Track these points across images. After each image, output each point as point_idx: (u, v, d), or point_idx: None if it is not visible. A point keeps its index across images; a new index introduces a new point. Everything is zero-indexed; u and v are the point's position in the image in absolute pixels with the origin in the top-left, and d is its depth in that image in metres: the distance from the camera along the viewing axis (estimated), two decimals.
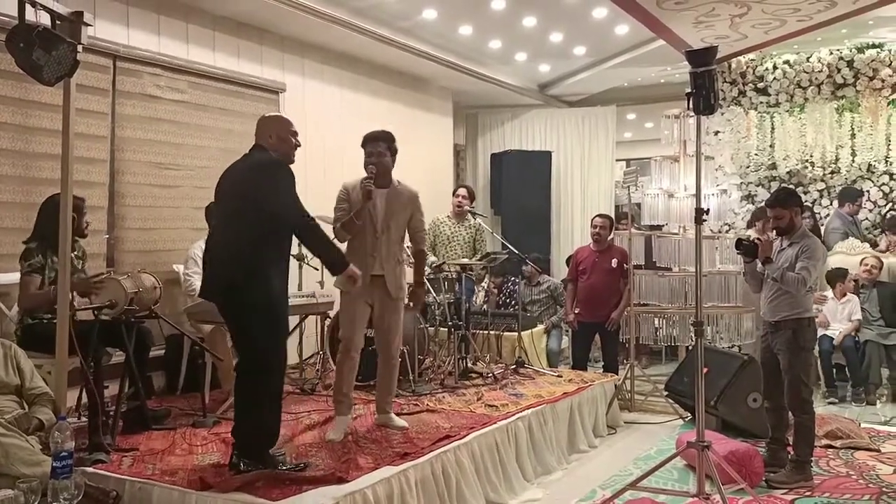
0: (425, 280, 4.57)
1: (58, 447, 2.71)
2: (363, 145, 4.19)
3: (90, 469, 3.31)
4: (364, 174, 4.06)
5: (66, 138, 3.47)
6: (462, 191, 6.57)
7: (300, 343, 5.70)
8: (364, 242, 4.08)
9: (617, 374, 6.13)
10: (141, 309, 4.05)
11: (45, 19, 3.27)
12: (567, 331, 6.99)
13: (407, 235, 4.33)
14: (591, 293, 6.39)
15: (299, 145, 3.67)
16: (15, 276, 4.12)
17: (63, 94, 3.46)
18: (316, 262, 5.61)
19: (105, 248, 5.13)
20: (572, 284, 6.59)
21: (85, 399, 3.85)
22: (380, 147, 4.13)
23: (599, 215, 6.64)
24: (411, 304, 4.43)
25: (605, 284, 6.36)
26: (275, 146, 3.56)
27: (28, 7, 3.16)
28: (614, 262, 6.37)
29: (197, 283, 4.69)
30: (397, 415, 4.32)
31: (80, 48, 3.32)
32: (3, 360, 3.48)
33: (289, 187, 3.44)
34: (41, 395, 3.49)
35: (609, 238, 6.50)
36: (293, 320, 5.45)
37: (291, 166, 3.55)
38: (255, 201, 3.35)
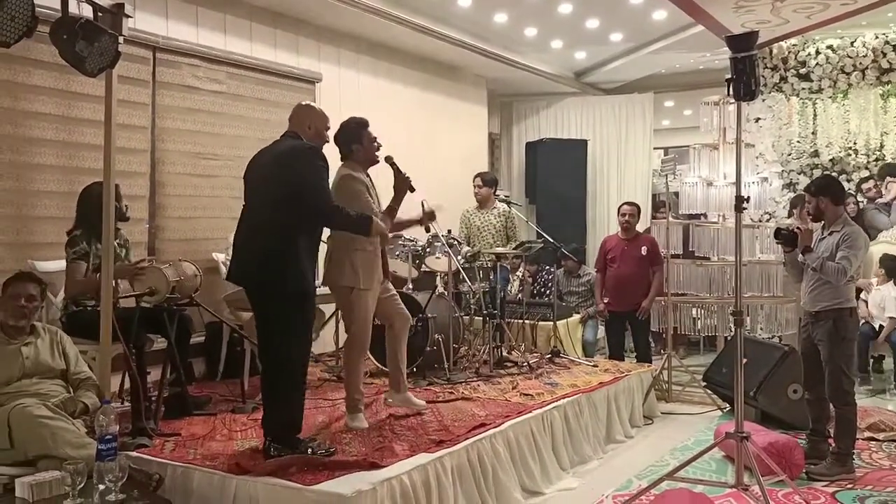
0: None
1: (102, 430, 2.78)
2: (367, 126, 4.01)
3: (133, 453, 3.38)
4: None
5: (109, 128, 3.54)
6: (477, 180, 6.50)
7: (336, 331, 5.75)
8: (378, 245, 3.99)
9: (650, 363, 6.09)
10: (182, 297, 4.12)
11: (87, 11, 3.34)
12: (603, 321, 6.95)
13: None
14: (620, 282, 6.36)
15: (328, 141, 3.69)
16: (59, 265, 4.21)
17: (105, 85, 3.53)
18: None
19: (146, 236, 5.23)
20: (600, 274, 6.56)
21: (128, 384, 3.94)
22: None
23: (627, 203, 6.61)
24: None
25: (634, 273, 6.33)
26: (311, 137, 3.58)
27: (71, 0, 3.22)
28: (644, 250, 6.33)
29: None
30: (432, 403, 4.35)
31: (121, 40, 3.38)
32: (50, 345, 3.58)
33: (324, 177, 3.45)
34: (85, 379, 3.58)
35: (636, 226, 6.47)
36: (329, 308, 5.52)
37: None
38: (292, 186, 3.34)
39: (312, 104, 3.79)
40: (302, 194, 3.35)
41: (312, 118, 3.63)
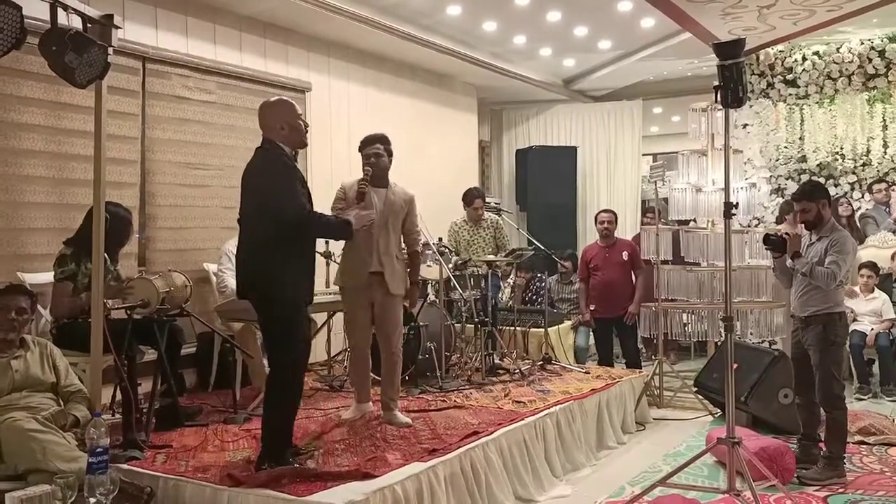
0: (419, 281, 4.60)
1: (93, 443, 2.76)
2: (361, 148, 4.25)
3: (125, 466, 3.36)
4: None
5: (98, 139, 3.52)
6: (477, 201, 6.45)
7: (328, 340, 5.74)
8: (361, 240, 4.03)
9: (640, 369, 6.12)
10: (172, 308, 4.10)
11: (76, 23, 3.32)
12: (591, 330, 6.97)
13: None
14: (606, 289, 6.44)
15: (308, 126, 3.61)
16: (50, 277, 4.18)
17: (95, 96, 3.51)
18: None
19: (137, 247, 5.21)
20: (584, 284, 6.63)
21: (119, 396, 3.91)
22: (377, 149, 4.19)
23: (604, 210, 6.74)
24: (406, 303, 4.39)
25: (618, 278, 6.44)
26: (287, 137, 3.46)
27: (60, 11, 3.21)
28: (625, 255, 6.45)
29: (229, 280, 4.75)
30: (424, 411, 4.35)
31: (110, 51, 3.38)
32: (40, 358, 3.56)
33: (292, 186, 3.36)
34: (76, 392, 3.56)
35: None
36: (321, 318, 5.50)
37: (308, 153, 3.53)
38: (263, 199, 3.36)
39: (273, 100, 3.58)
40: (273, 207, 3.30)
41: (282, 116, 3.46)
